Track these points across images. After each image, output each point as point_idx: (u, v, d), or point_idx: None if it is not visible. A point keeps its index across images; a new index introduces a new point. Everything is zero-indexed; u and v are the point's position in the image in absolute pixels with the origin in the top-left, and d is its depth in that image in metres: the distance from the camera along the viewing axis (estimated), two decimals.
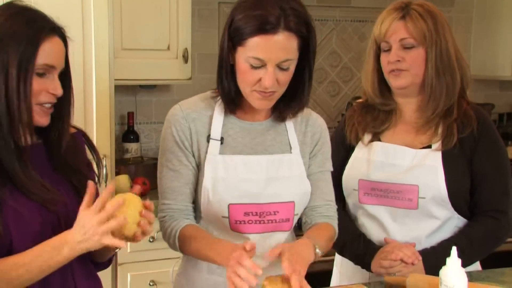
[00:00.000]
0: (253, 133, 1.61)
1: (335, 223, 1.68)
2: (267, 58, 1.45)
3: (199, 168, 1.60)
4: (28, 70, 1.34)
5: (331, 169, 1.71)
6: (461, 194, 1.79)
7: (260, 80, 1.47)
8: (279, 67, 1.47)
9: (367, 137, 1.88)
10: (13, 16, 1.36)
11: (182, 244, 1.55)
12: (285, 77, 1.50)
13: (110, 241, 1.30)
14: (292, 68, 1.50)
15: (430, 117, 1.81)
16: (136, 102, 3.18)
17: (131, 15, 2.77)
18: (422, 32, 1.75)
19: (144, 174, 2.85)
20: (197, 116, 1.59)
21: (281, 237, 1.62)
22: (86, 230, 1.30)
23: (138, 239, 1.37)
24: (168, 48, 2.87)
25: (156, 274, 2.60)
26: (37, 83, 1.36)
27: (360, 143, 1.89)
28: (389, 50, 1.79)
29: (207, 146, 1.57)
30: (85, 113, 2.38)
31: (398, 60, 1.77)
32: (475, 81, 1.87)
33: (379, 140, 1.87)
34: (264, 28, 1.43)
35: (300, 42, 1.48)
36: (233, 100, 1.56)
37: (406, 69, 1.77)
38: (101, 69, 2.39)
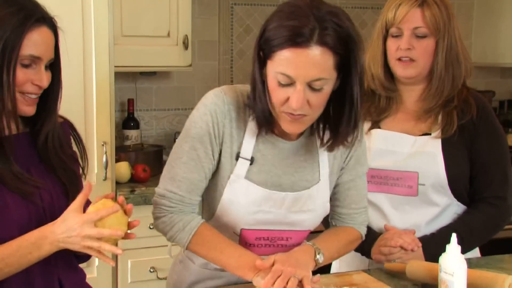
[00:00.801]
0: (285, 152, 1.49)
1: (362, 227, 1.63)
2: (296, 74, 1.30)
3: (218, 166, 1.49)
4: (11, 60, 1.31)
5: (365, 171, 1.62)
6: (461, 181, 1.80)
7: (288, 99, 1.33)
8: (311, 86, 1.31)
9: (366, 125, 1.88)
10: (3, 3, 1.33)
11: (196, 242, 1.46)
12: (318, 99, 1.33)
13: (90, 245, 1.28)
14: (327, 89, 1.34)
15: (433, 107, 1.81)
16: (136, 89, 3.17)
17: (131, 1, 2.75)
18: (437, 22, 1.73)
19: (144, 161, 2.85)
20: (235, 117, 1.45)
21: None
22: (71, 232, 1.29)
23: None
24: (168, 34, 2.86)
25: (156, 261, 2.61)
26: (21, 74, 1.34)
27: None
28: (398, 36, 1.77)
29: (235, 162, 1.46)
30: (85, 100, 2.38)
31: (409, 48, 1.75)
32: (476, 68, 1.86)
33: (379, 127, 1.87)
34: (295, 40, 1.27)
35: (338, 60, 1.31)
36: (266, 122, 1.41)
37: (415, 59, 1.76)
38: (101, 56, 2.38)
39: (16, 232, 1.34)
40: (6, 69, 1.31)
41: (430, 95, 1.81)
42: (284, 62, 1.31)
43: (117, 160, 2.70)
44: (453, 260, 1.39)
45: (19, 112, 1.37)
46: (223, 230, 1.51)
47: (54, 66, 1.43)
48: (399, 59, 1.78)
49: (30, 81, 1.36)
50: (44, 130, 1.44)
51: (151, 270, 2.61)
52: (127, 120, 3.09)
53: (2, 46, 1.31)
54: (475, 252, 1.90)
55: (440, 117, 1.81)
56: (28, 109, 1.39)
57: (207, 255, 1.47)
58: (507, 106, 3.82)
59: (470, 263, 1.49)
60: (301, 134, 1.51)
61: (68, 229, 1.29)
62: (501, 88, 3.85)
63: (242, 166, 1.46)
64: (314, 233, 1.61)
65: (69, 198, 1.47)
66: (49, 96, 1.43)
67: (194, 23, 2.99)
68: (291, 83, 1.32)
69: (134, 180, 2.75)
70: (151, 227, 2.54)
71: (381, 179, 1.82)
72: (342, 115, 1.40)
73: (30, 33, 1.33)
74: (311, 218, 1.54)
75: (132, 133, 3.07)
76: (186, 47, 2.88)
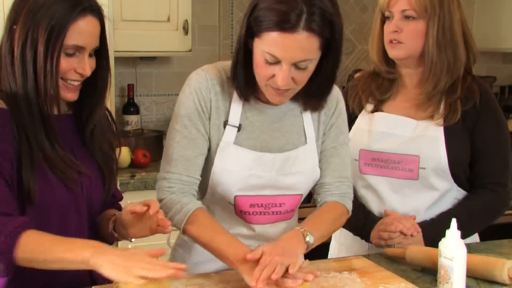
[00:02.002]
0: (272, 117, 1.55)
1: (347, 200, 1.63)
2: (282, 56, 1.36)
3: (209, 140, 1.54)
4: (55, 49, 1.33)
5: (347, 141, 1.65)
6: (462, 166, 1.80)
7: (274, 76, 1.40)
8: (296, 66, 1.38)
9: (369, 106, 1.88)
10: None
11: (191, 226, 1.47)
12: (302, 76, 1.41)
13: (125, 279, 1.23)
14: (311, 67, 1.41)
15: (432, 93, 1.80)
16: (136, 74, 3.16)
17: None
18: (424, 4, 1.73)
19: (144, 146, 2.85)
20: (219, 91, 1.51)
21: (284, 225, 1.61)
22: (131, 256, 1.25)
23: None
24: (168, 19, 2.85)
25: (156, 246, 2.61)
26: (65, 62, 1.36)
27: (363, 112, 1.88)
28: (390, 18, 1.78)
29: (223, 131, 1.52)
30: None
31: (396, 31, 1.76)
32: (478, 53, 1.86)
33: (381, 110, 1.87)
34: (283, 26, 1.33)
35: (322, 42, 1.38)
36: (247, 90, 1.48)
37: (402, 41, 1.76)
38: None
39: (56, 213, 1.37)
40: (50, 58, 1.33)
41: (428, 80, 1.80)
42: (271, 44, 1.36)
43: (117, 146, 2.69)
44: (453, 245, 1.39)
45: (61, 98, 1.39)
46: (218, 201, 1.54)
47: (101, 54, 1.44)
48: (391, 41, 1.79)
49: (73, 69, 1.37)
50: (94, 118, 1.47)
51: None
52: (127, 105, 3.08)
53: (48, 35, 1.32)
54: (475, 237, 1.90)
55: (442, 107, 1.80)
56: (70, 95, 1.41)
57: (199, 240, 1.49)
58: (508, 92, 3.81)
59: (470, 248, 1.50)
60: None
61: (130, 252, 1.26)
62: (502, 73, 3.84)
63: (230, 133, 1.51)
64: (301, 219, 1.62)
65: (105, 184, 1.51)
66: (98, 83, 1.45)
67: (194, 8, 2.97)
68: (276, 62, 1.38)
69: (134, 165, 2.76)
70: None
71: (382, 162, 1.83)
72: (319, 82, 1.48)
73: (75, 23, 1.34)
74: (301, 181, 1.56)
75: (132, 119, 3.07)
76: (186, 32, 2.87)
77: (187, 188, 1.51)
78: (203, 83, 1.51)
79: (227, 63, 1.55)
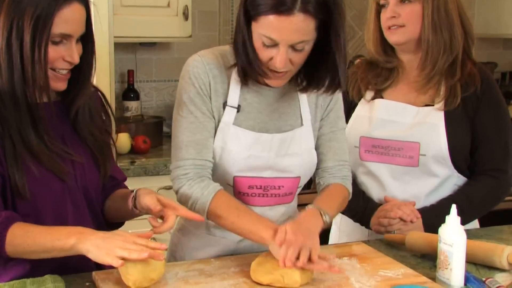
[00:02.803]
0: (269, 99, 1.56)
1: (348, 183, 1.65)
2: (279, 38, 1.37)
3: None
4: (43, 38, 1.31)
5: (344, 126, 1.67)
6: (462, 152, 1.80)
7: (272, 58, 1.41)
8: (293, 47, 1.40)
9: (369, 94, 1.88)
10: None
11: (214, 210, 1.47)
12: (299, 58, 1.43)
13: (112, 260, 1.24)
14: (308, 48, 1.42)
15: (430, 74, 1.80)
16: (136, 60, 3.15)
17: None
18: None
19: (144, 132, 2.85)
20: (217, 74, 1.52)
21: (283, 209, 1.62)
22: (116, 236, 1.27)
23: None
24: (168, 5, 2.83)
25: None
26: (52, 51, 1.34)
27: (362, 100, 1.88)
28: (385, 5, 1.78)
29: (222, 112, 1.53)
30: None
31: (394, 16, 1.76)
32: (478, 39, 1.85)
33: (381, 97, 1.86)
34: (279, 8, 1.34)
35: (318, 23, 1.39)
36: (247, 73, 1.48)
37: (402, 24, 1.77)
38: (100, 26, 2.36)
39: (50, 205, 1.37)
40: (37, 47, 1.31)
41: (426, 62, 1.80)
42: (268, 27, 1.37)
43: (117, 132, 2.70)
44: (453, 231, 1.40)
45: (51, 88, 1.38)
46: (217, 182, 1.53)
47: (86, 39, 1.42)
48: (389, 28, 1.79)
49: (61, 57, 1.36)
50: (76, 103, 1.45)
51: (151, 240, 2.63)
52: (127, 91, 3.08)
53: (33, 25, 1.30)
54: (474, 223, 1.91)
55: (443, 89, 1.80)
56: (59, 84, 1.40)
57: (224, 222, 1.48)
58: (509, 78, 3.80)
59: (469, 234, 1.50)
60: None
61: (114, 233, 1.28)
62: (503, 59, 3.82)
63: (230, 113, 1.52)
64: (301, 206, 1.63)
65: (100, 169, 1.50)
66: (82, 69, 1.43)
67: None
68: (274, 45, 1.39)
69: (134, 151, 2.76)
70: None
71: (382, 149, 1.83)
72: (318, 65, 1.48)
73: (61, 11, 1.32)
74: (298, 163, 1.57)
75: (132, 104, 3.06)
76: (186, 18, 2.85)
77: (203, 172, 1.51)
78: (200, 67, 1.51)
79: (224, 48, 1.57)
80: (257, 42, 1.41)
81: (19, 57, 1.32)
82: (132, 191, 1.49)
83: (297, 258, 1.34)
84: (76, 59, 1.37)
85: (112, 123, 1.60)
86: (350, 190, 1.66)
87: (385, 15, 1.79)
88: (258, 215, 1.49)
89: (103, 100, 1.57)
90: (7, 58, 1.32)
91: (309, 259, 1.34)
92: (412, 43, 1.80)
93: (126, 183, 1.65)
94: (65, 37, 1.35)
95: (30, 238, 1.29)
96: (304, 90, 1.55)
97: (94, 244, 1.26)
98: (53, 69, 1.37)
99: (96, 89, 1.56)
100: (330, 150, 1.63)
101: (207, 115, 1.52)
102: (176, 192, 1.53)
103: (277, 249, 1.36)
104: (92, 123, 1.49)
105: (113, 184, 1.59)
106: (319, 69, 1.50)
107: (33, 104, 1.36)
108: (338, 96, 1.64)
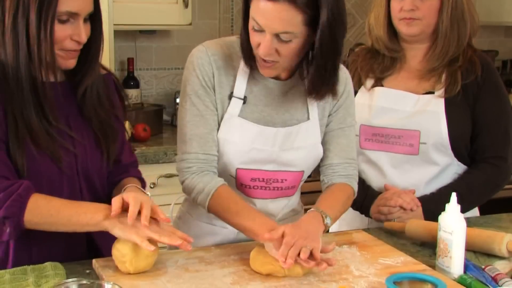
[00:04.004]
0: (276, 92, 1.54)
1: (354, 181, 1.63)
2: (264, 25, 1.37)
3: None
4: (48, 17, 1.30)
5: (354, 124, 1.65)
6: (462, 140, 1.79)
7: (259, 45, 1.41)
8: (278, 37, 1.38)
9: (369, 82, 1.87)
10: None
11: (214, 204, 1.47)
12: (287, 50, 1.40)
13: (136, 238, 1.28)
14: (297, 42, 1.39)
15: (437, 66, 1.79)
16: (136, 48, 3.14)
17: None
18: None
19: (144, 120, 2.84)
20: (222, 65, 1.51)
21: (285, 202, 1.62)
22: (133, 226, 1.29)
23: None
24: None
25: None
26: (59, 30, 1.33)
27: (362, 88, 1.87)
28: None
29: (228, 103, 1.51)
30: None
31: (412, 9, 1.74)
32: (480, 27, 1.85)
33: (382, 85, 1.86)
34: None
35: (307, 18, 1.36)
36: (249, 55, 1.47)
37: (419, 18, 1.75)
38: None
39: (46, 186, 1.36)
40: (43, 26, 1.30)
41: (435, 54, 1.79)
42: (256, 11, 1.38)
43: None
44: (453, 219, 1.40)
45: (59, 66, 1.37)
46: (220, 173, 1.54)
47: (94, 18, 1.40)
48: (403, 19, 1.76)
49: (69, 36, 1.34)
50: (84, 83, 1.43)
51: None
52: (127, 79, 3.07)
53: (39, 2, 1.29)
54: (474, 211, 1.91)
55: (444, 76, 1.80)
56: (68, 62, 1.38)
57: (224, 216, 1.49)
58: (510, 66, 3.79)
59: (469, 222, 1.50)
60: (291, 74, 1.55)
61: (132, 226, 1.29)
62: (504, 47, 3.81)
63: (236, 105, 1.51)
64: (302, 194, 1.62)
65: (102, 152, 1.48)
66: (91, 49, 1.42)
67: None
68: (261, 30, 1.39)
69: (134, 139, 2.75)
70: (152, 186, 2.56)
71: (382, 137, 1.82)
72: (318, 65, 1.45)
73: None
74: (302, 157, 1.56)
75: (132, 92, 3.05)
76: (186, 6, 2.84)
77: (206, 166, 1.51)
78: (204, 58, 1.50)
79: (231, 39, 1.56)
80: (250, 24, 1.41)
81: (25, 35, 1.31)
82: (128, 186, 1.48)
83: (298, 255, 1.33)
84: (84, 38, 1.36)
85: (124, 108, 1.58)
86: (356, 188, 1.64)
87: (398, 5, 1.76)
88: (257, 212, 1.48)
89: (116, 83, 1.56)
90: (13, 36, 1.32)
91: (311, 257, 1.33)
92: (423, 35, 1.79)
93: None
94: (72, 15, 1.33)
95: (54, 209, 1.31)
96: (316, 94, 1.51)
97: (121, 221, 1.28)
98: (62, 50, 1.35)
99: (109, 73, 1.55)
100: (337, 147, 1.61)
101: (210, 108, 1.51)
102: (182, 183, 1.54)
103: (272, 248, 1.36)
104: (100, 106, 1.47)
105: (120, 171, 1.56)
106: (319, 70, 1.45)
107: (39, 83, 1.35)
108: (349, 92, 1.62)
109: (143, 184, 1.58)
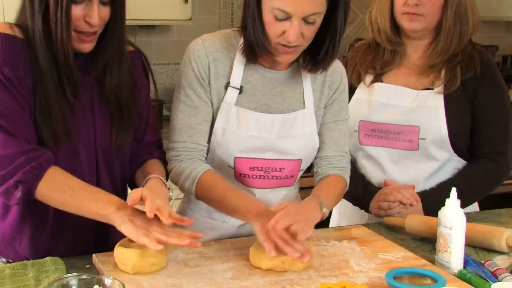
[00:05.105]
0: (273, 82, 1.56)
1: (347, 174, 1.64)
2: (293, 10, 1.37)
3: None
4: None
5: (348, 118, 1.67)
6: (462, 136, 1.79)
7: (284, 32, 1.40)
8: (305, 20, 1.39)
9: (368, 78, 1.87)
10: None
11: (201, 188, 1.49)
12: (311, 31, 1.42)
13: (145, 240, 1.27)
14: (319, 21, 1.42)
15: (438, 63, 1.79)
16: (136, 43, 3.12)
17: None
18: None
19: None
20: (218, 57, 1.52)
21: (284, 192, 1.63)
22: (143, 228, 1.27)
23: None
24: None
25: None
26: (73, 10, 1.32)
27: (361, 84, 1.87)
28: None
29: (225, 93, 1.53)
30: None
31: (417, 4, 1.74)
32: (480, 22, 1.85)
33: (381, 81, 1.86)
34: None
35: None
36: (255, 51, 1.47)
37: (422, 14, 1.75)
38: None
39: (61, 159, 1.35)
40: (60, 7, 1.30)
41: (437, 51, 1.79)
42: (280, 0, 1.36)
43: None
44: (452, 214, 1.40)
45: (76, 49, 1.36)
46: (218, 165, 1.55)
47: (116, 3, 1.39)
48: (406, 13, 1.76)
49: (81, 17, 1.34)
50: (97, 65, 1.41)
51: None
52: None
53: None
54: (474, 207, 1.91)
55: (443, 72, 1.80)
56: (83, 46, 1.38)
57: (210, 199, 1.50)
58: (510, 61, 3.79)
59: (469, 217, 1.50)
60: (288, 64, 1.56)
61: (142, 221, 1.28)
62: (504, 42, 3.80)
63: (232, 94, 1.53)
64: (302, 190, 1.62)
65: (112, 134, 1.46)
66: (108, 31, 1.40)
67: None
68: (287, 18, 1.38)
69: None
70: None
71: (381, 133, 1.82)
72: (323, 42, 1.48)
73: None
74: (299, 145, 1.57)
75: None
76: (186, 1, 2.83)
77: (194, 154, 1.53)
78: (200, 51, 1.52)
79: (227, 31, 1.58)
80: (268, 16, 1.40)
81: (41, 17, 1.31)
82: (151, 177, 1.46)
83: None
84: (95, 21, 1.34)
85: (149, 86, 1.57)
86: (348, 181, 1.65)
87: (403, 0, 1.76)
88: (244, 193, 1.50)
89: (143, 61, 1.56)
90: (31, 16, 1.32)
91: (294, 237, 1.34)
92: (425, 31, 1.79)
93: None
94: None
95: (69, 187, 1.30)
96: (311, 70, 1.54)
97: (131, 220, 1.27)
98: (77, 31, 1.35)
99: (137, 50, 1.55)
100: (331, 139, 1.63)
101: (203, 99, 1.53)
102: (169, 173, 1.55)
103: (259, 228, 1.37)
104: (118, 87, 1.45)
105: (143, 151, 1.56)
106: (323, 47, 1.49)
107: (66, 52, 1.34)
108: (344, 86, 1.64)
109: (165, 165, 1.56)
